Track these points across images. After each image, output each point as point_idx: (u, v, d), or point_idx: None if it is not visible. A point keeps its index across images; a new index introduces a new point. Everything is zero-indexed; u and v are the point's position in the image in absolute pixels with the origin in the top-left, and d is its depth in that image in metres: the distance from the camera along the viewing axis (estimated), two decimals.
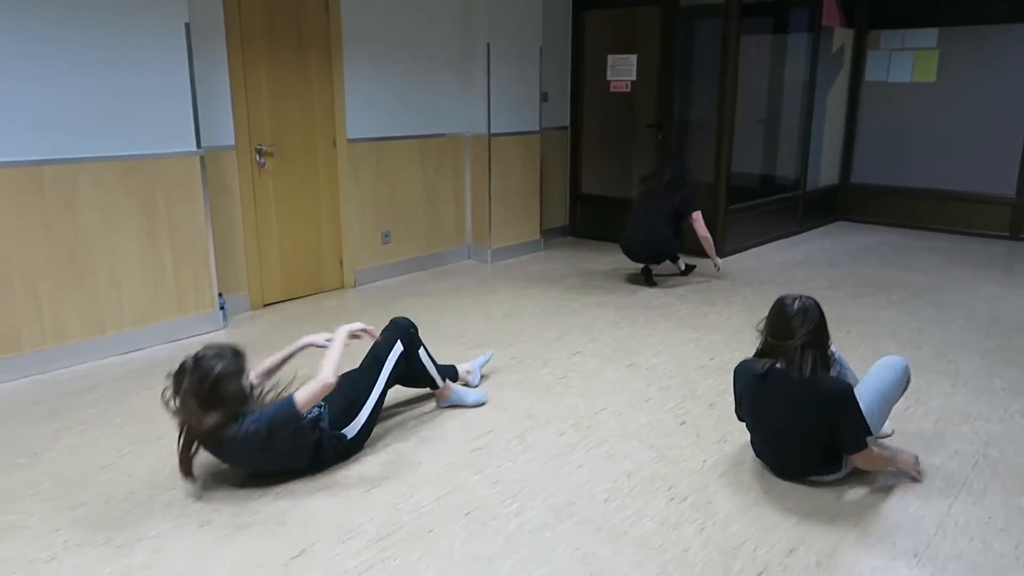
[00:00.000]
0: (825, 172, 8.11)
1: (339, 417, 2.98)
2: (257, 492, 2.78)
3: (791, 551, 2.46)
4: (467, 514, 2.66)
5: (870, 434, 2.73)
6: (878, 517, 2.65)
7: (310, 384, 2.78)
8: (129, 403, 3.56)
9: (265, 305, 5.15)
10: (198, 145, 4.40)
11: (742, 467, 2.99)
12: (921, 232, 7.65)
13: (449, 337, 4.51)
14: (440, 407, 3.53)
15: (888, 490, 2.82)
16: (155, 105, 4.19)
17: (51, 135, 3.84)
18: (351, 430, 3.01)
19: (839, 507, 2.71)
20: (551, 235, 7.27)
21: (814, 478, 2.85)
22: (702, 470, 2.97)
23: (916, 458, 2.93)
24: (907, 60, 7.67)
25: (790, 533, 2.55)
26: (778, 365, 2.73)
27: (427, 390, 3.54)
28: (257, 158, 4.97)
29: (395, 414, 3.46)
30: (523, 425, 3.35)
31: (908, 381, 3.03)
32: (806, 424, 2.72)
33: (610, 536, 2.53)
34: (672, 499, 2.76)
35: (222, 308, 4.71)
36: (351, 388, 3.05)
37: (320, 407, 2.92)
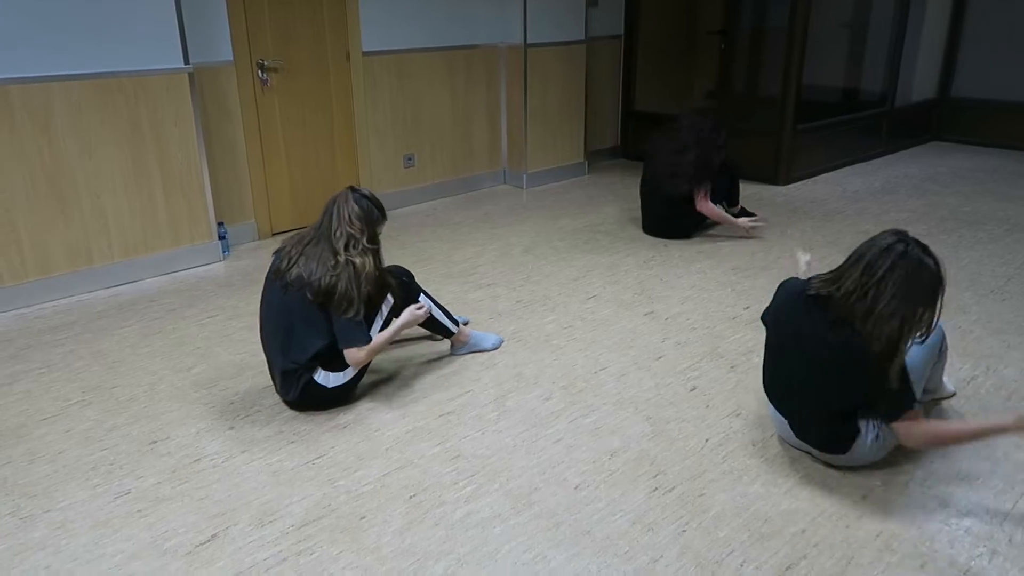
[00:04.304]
0: (920, 84, 7.09)
1: (326, 363, 2.73)
2: (187, 459, 2.51)
3: (786, 569, 2.00)
4: (411, 497, 2.30)
5: (912, 401, 2.20)
6: (908, 527, 2.15)
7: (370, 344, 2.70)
8: (99, 345, 3.34)
9: (275, 233, 4.85)
10: (186, 60, 4.03)
11: (751, 449, 2.52)
12: None
13: (456, 274, 4.10)
14: (455, 354, 3.19)
15: (929, 489, 2.30)
16: (133, 15, 3.81)
17: (16, 51, 3.54)
18: (332, 380, 2.73)
19: (861, 509, 2.22)
20: (600, 157, 6.65)
21: (823, 450, 2.38)
22: (701, 451, 2.51)
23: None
24: None
25: (791, 544, 2.09)
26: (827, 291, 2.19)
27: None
28: (259, 74, 4.57)
29: (376, 363, 3.12)
30: (507, 385, 2.95)
31: (943, 349, 2.59)
32: (825, 378, 2.23)
33: (569, 535, 2.13)
34: (656, 489, 2.32)
35: (223, 238, 4.43)
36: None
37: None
